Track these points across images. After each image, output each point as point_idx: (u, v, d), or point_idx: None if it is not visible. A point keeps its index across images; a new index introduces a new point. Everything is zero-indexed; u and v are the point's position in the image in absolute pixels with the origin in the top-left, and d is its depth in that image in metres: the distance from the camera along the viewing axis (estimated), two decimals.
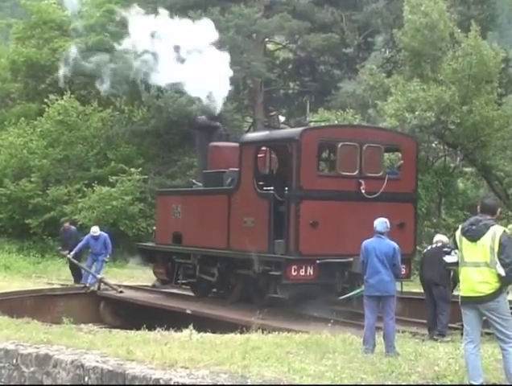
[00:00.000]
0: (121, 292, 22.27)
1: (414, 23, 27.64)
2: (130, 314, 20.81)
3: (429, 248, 15.40)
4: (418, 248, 19.64)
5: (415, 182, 18.33)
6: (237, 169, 18.37)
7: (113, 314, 22.02)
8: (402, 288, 17.66)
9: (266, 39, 39.81)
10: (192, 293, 21.27)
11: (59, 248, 25.69)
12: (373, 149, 17.35)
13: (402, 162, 18.54)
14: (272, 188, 17.04)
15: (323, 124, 30.40)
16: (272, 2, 38.30)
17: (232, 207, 17.96)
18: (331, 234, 16.39)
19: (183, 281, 20.91)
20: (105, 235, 23.64)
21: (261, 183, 17.53)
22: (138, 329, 14.28)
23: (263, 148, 18.75)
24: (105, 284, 22.72)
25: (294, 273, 16.25)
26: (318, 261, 16.25)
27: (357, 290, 15.05)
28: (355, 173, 17.04)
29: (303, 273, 16.32)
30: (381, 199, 16.93)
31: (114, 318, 21.71)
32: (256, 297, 18.40)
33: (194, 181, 22.02)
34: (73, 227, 25.29)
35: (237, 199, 17.82)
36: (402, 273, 16.63)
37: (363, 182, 16.88)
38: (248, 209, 17.39)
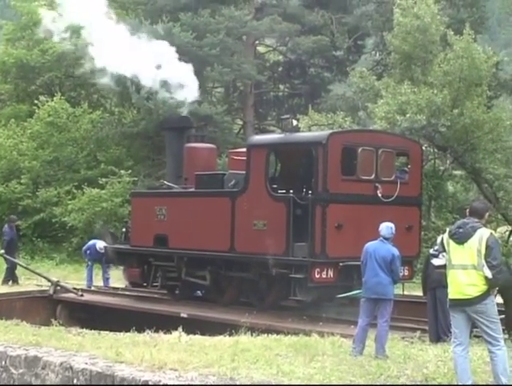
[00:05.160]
0: (81, 295, 21.71)
1: (406, 26, 27.67)
2: (88, 318, 20.47)
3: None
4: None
5: (421, 186, 18.70)
6: (238, 171, 18.30)
7: (70, 318, 21.19)
8: (403, 291, 17.77)
9: (257, 42, 39.88)
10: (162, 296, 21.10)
11: (3, 251, 23.86)
12: (387, 154, 17.62)
13: (409, 166, 18.67)
14: (287, 191, 16.96)
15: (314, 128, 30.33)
16: (262, 5, 38.41)
17: (237, 209, 17.82)
18: (352, 237, 16.37)
19: (162, 285, 20.56)
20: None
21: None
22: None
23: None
24: (63, 288, 22.11)
25: (317, 276, 16.31)
26: (341, 264, 16.34)
27: (356, 291, 15.06)
28: (372, 177, 17.25)
29: (324, 276, 16.39)
30: (394, 202, 17.21)
31: (71, 322, 20.55)
32: (255, 299, 18.38)
33: (165, 182, 21.50)
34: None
35: (244, 202, 17.70)
36: (406, 274, 17.14)
37: (379, 186, 17.12)
38: (259, 212, 17.27)
